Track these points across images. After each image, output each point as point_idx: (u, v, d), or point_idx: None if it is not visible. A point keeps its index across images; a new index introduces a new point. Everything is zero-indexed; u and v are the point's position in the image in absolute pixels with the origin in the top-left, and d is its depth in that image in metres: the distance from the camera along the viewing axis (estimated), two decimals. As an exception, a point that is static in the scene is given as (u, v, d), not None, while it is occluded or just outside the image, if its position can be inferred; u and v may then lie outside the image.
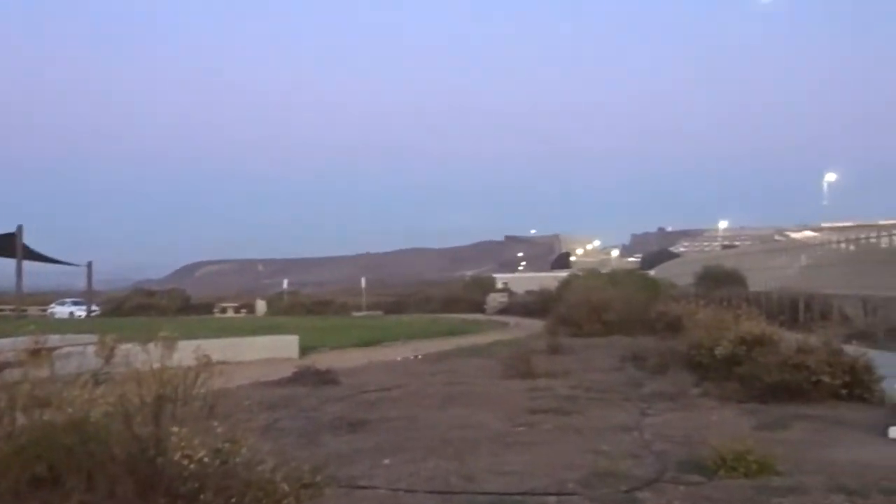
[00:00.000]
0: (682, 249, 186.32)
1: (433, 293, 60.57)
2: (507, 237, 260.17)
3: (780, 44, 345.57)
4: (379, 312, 52.36)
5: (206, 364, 6.06)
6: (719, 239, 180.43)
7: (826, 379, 11.54)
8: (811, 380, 11.58)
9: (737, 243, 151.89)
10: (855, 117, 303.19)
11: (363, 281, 59.71)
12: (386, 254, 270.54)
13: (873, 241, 66.19)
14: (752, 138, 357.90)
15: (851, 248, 69.70)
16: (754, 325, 14.77)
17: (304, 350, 21.23)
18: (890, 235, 64.38)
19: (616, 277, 32.20)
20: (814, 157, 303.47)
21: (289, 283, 69.19)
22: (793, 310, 27.61)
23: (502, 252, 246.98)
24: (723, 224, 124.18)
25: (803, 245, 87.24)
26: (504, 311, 48.08)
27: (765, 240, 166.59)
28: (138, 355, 5.94)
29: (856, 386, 11.59)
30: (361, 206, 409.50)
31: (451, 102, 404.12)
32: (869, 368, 11.71)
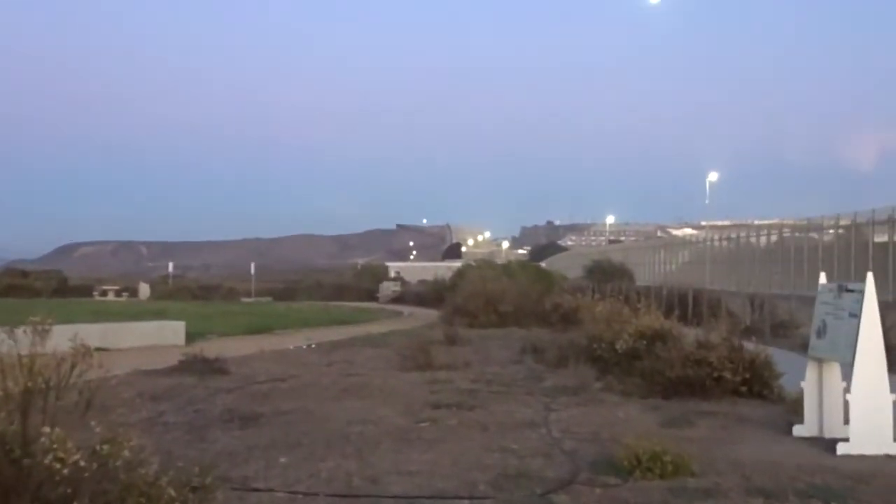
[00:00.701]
0: (569, 243, 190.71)
1: (324, 280, 59.58)
2: (399, 226, 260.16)
3: (671, 44, 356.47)
4: (268, 299, 51.09)
5: (83, 352, 5.36)
6: (605, 234, 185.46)
7: (727, 375, 11.50)
8: (713, 376, 11.51)
9: (622, 238, 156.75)
10: (738, 121, 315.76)
11: (252, 266, 58.07)
12: (274, 239, 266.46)
13: (752, 240, 68.86)
14: (638, 137, 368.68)
15: (728, 245, 72.39)
16: (653, 320, 14.78)
17: (191, 337, 20.24)
18: (768, 235, 67.04)
19: (510, 269, 32.14)
20: (696, 158, 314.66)
21: (174, 267, 66.75)
22: (682, 305, 28.08)
23: (393, 241, 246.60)
24: (610, 219, 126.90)
25: (684, 242, 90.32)
26: (397, 300, 47.64)
27: (648, 236, 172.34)
28: (4, 342, 5.19)
29: (755, 382, 11.60)
30: (249, 189, 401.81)
31: (344, 92, 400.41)
32: (769, 365, 11.74)
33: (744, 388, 11.59)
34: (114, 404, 5.95)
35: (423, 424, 9.82)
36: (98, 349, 5.31)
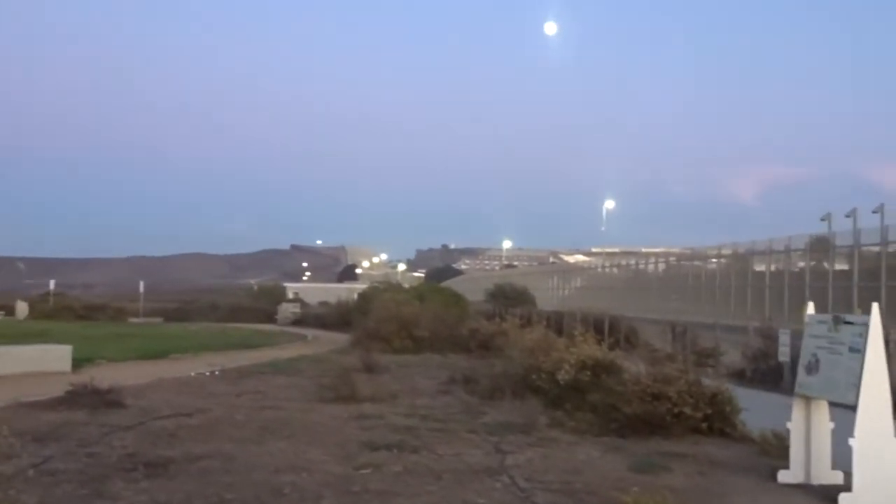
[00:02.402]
0: (463, 266, 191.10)
1: (219, 301, 56.81)
2: (293, 246, 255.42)
3: (565, 76, 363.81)
4: (159, 319, 48.29)
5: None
6: (501, 258, 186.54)
7: (687, 411, 10.55)
8: (673, 412, 10.54)
9: (515, 263, 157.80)
10: (626, 154, 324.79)
11: (141, 285, 55.02)
12: (163, 258, 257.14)
13: (644, 266, 69.88)
14: (530, 164, 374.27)
15: (623, 271, 73.28)
16: (594, 350, 13.81)
17: (78, 363, 18.17)
18: (656, 262, 68.12)
19: (422, 292, 30.90)
20: (586, 187, 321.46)
21: (55, 285, 62.65)
22: (597, 332, 27.41)
23: (286, 261, 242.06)
24: (507, 244, 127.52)
25: (581, 268, 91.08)
26: (297, 322, 45.68)
27: (541, 261, 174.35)
28: None
29: (717, 419, 10.68)
30: (136, 206, 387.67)
31: (238, 108, 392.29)
32: (730, 400, 10.86)
33: (704, 425, 10.67)
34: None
35: (364, 472, 8.43)
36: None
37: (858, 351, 7.54)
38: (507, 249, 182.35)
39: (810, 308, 8.67)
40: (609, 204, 75.68)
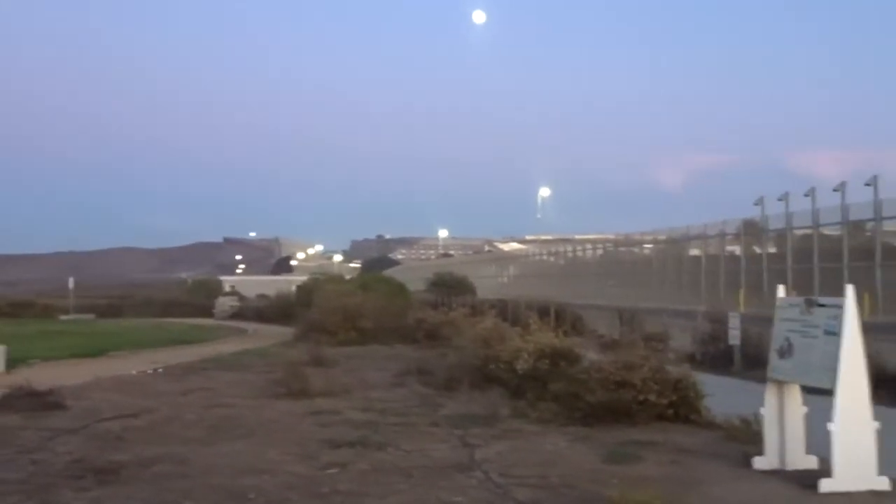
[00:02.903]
0: (399, 256, 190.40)
1: (153, 295, 55.33)
2: (226, 239, 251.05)
3: (494, 64, 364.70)
4: (90, 316, 46.69)
5: None
6: (438, 247, 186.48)
7: (652, 398, 10.39)
8: (637, 399, 10.36)
9: (451, 252, 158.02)
10: (556, 142, 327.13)
11: (71, 280, 53.20)
12: (90, 252, 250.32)
13: (580, 253, 70.49)
14: (463, 153, 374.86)
15: (560, 258, 73.86)
16: (551, 338, 13.59)
17: (10, 363, 17.29)
18: (593, 249, 68.85)
19: (365, 282, 30.43)
20: (517, 176, 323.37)
21: (-22, 282, 60.22)
22: (542, 319, 27.36)
23: (220, 254, 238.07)
24: (443, 233, 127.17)
25: (517, 256, 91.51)
26: (236, 315, 44.68)
27: (476, 250, 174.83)
28: None
29: (682, 405, 10.54)
30: (61, 200, 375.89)
31: (169, 100, 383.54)
32: (694, 386, 10.72)
33: (670, 412, 10.52)
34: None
35: (330, 472, 8.03)
36: None
37: (835, 334, 7.40)
38: (442, 238, 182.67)
39: (780, 291, 8.53)
40: (544, 191, 76.04)
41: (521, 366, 12.71)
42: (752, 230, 41.64)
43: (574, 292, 48.21)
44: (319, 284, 32.69)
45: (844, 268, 31.72)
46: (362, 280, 31.70)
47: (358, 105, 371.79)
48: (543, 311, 27.40)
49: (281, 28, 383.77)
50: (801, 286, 30.34)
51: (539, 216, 77.70)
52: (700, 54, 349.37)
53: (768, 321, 8.94)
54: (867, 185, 30.98)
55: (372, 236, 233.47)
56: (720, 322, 18.15)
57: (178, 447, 9.14)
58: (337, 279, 37.48)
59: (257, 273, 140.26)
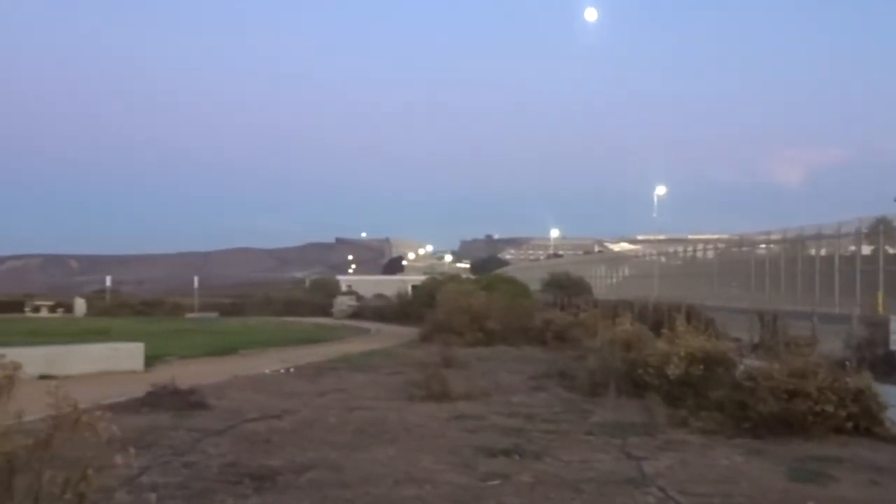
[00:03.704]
0: (508, 256, 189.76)
1: (273, 295, 56.46)
2: (338, 239, 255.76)
3: (606, 64, 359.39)
4: (214, 314, 47.95)
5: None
6: (550, 247, 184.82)
7: (830, 409, 9.50)
8: (814, 410, 9.49)
9: (560, 252, 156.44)
10: (667, 141, 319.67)
11: (196, 280, 54.84)
12: (208, 253, 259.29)
13: (698, 254, 68.23)
14: (572, 152, 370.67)
15: (676, 259, 71.71)
16: (703, 342, 12.78)
17: (148, 360, 17.53)
18: (715, 248, 66.42)
19: (488, 282, 29.98)
20: (628, 175, 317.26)
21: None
22: (672, 322, 26.30)
23: (332, 255, 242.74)
24: (554, 232, 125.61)
25: (633, 256, 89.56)
26: (355, 315, 45.02)
27: (586, 250, 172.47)
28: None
29: (862, 417, 9.60)
30: (181, 203, 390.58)
31: (277, 106, 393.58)
32: (876, 396, 9.77)
33: (849, 425, 9.60)
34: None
35: (492, 483, 7.53)
36: (43, 377, 3.15)
37: None
38: (553, 239, 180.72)
39: None
40: (660, 190, 73.47)
41: (672, 371, 11.96)
42: (889, 228, 39.18)
43: (693, 293, 46.51)
44: (437, 285, 32.42)
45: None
46: (485, 280, 31.26)
47: (468, 106, 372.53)
48: (674, 314, 26.38)
49: (387, 31, 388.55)
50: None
51: (655, 215, 75.00)
52: (812, 47, 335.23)
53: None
54: None
55: (481, 236, 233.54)
56: (876, 326, 16.86)
57: (329, 452, 8.81)
58: (456, 279, 37.19)
59: (368, 273, 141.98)
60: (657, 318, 24.71)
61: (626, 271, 79.78)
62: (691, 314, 25.57)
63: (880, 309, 31.63)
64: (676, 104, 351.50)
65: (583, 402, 12.57)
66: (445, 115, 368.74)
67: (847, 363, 10.33)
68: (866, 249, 40.55)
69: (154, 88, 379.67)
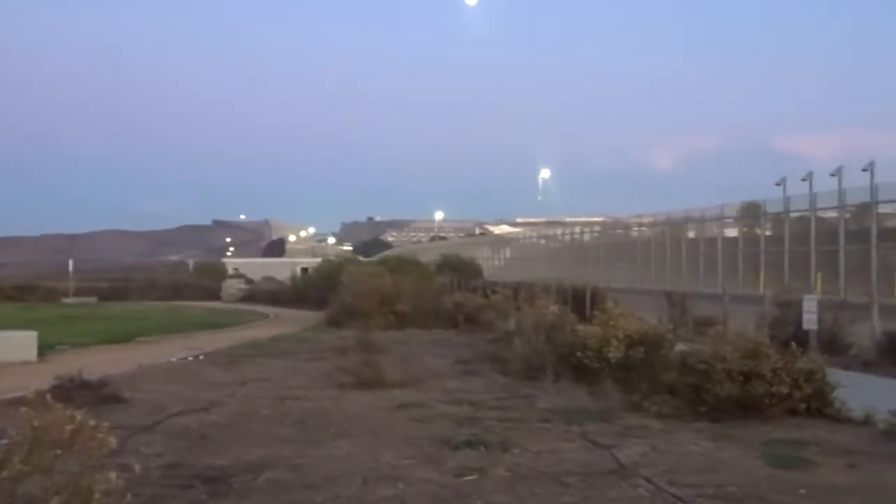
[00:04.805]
0: (390, 239, 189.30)
1: (159, 279, 54.01)
2: (216, 221, 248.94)
3: (484, 47, 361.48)
4: (93, 299, 45.47)
5: None
6: (428, 231, 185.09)
7: (784, 391, 9.41)
8: (770, 392, 9.38)
9: (443, 235, 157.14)
10: (547, 124, 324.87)
11: (70, 263, 51.77)
12: (76, 235, 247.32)
13: (577, 236, 69.50)
14: (453, 135, 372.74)
15: (543, 242, 72.91)
16: (638, 323, 12.65)
17: (40, 349, 16.13)
18: (584, 233, 67.85)
19: (394, 265, 29.35)
20: (510, 157, 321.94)
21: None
22: (577, 303, 26.38)
23: (209, 237, 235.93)
24: (439, 215, 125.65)
25: (505, 239, 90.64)
26: (247, 299, 43.54)
27: (468, 232, 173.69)
28: None
29: (815, 399, 9.56)
30: (45, 182, 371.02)
31: (155, 80, 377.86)
32: (825, 377, 9.75)
33: (801, 406, 9.54)
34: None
35: (468, 478, 7.00)
36: None
37: None
38: (432, 220, 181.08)
39: None
40: (545, 173, 74.39)
41: (613, 354, 11.73)
42: (750, 213, 40.83)
43: (581, 274, 47.24)
44: (340, 267, 31.58)
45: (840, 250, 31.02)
46: (391, 262, 30.64)
47: (348, 86, 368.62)
48: (578, 295, 26.51)
49: (264, 16, 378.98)
50: (797, 269, 29.97)
51: (540, 198, 75.87)
52: (689, 34, 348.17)
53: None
54: (864, 170, 30.15)
55: (362, 219, 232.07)
56: (789, 306, 17.23)
57: (278, 448, 8.08)
58: (355, 261, 36.42)
59: (248, 256, 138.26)
60: (566, 300, 24.70)
61: (509, 253, 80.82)
62: (596, 296, 25.75)
63: (761, 288, 32.91)
64: (558, 87, 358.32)
65: (522, 386, 12.20)
66: (325, 96, 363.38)
67: (793, 344, 10.21)
68: (733, 232, 42.20)
69: (23, 63, 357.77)
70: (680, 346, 12.14)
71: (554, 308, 15.83)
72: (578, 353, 12.19)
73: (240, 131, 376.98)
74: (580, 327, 14.27)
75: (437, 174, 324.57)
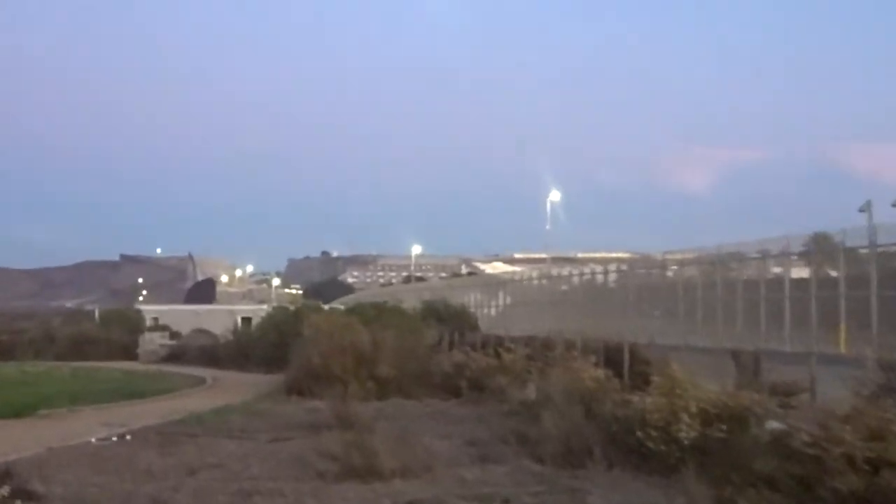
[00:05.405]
0: (351, 280, 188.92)
1: (57, 330, 53.24)
2: (123, 257, 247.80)
3: (459, 69, 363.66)
4: (-31, 356, 44.80)
5: None
6: (401, 269, 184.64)
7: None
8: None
9: (419, 274, 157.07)
10: (544, 142, 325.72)
11: (-60, 311, 51.03)
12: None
13: (598, 277, 69.35)
14: (431, 153, 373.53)
15: (544, 283, 72.91)
16: (713, 393, 12.43)
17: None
18: (607, 272, 67.76)
19: (369, 314, 29.05)
20: (504, 180, 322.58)
21: None
22: (612, 363, 26.12)
23: (116, 277, 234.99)
24: (416, 250, 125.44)
25: (501, 280, 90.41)
26: (172, 358, 43.00)
27: (452, 271, 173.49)
28: None
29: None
30: None
31: (48, 93, 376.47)
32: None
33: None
34: None
35: None
36: None
37: None
38: (406, 257, 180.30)
39: None
40: (554, 195, 73.69)
41: (685, 433, 11.46)
42: (822, 248, 40.59)
43: (604, 326, 47.04)
44: (298, 316, 31.27)
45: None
46: (364, 311, 30.33)
47: (293, 106, 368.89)
48: (611, 354, 26.26)
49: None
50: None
51: (548, 227, 75.02)
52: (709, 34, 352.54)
53: None
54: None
55: (315, 254, 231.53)
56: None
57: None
58: (317, 308, 36.16)
59: (168, 300, 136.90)
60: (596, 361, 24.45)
61: (507, 299, 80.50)
62: (634, 355, 25.56)
63: (841, 344, 32.76)
64: (558, 91, 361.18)
65: (562, 476, 11.87)
66: (271, 108, 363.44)
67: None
68: (800, 271, 42.01)
69: None
70: (770, 423, 11.89)
71: (594, 371, 15.59)
72: (638, 433, 11.90)
73: (154, 141, 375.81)
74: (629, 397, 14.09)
75: (411, 199, 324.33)
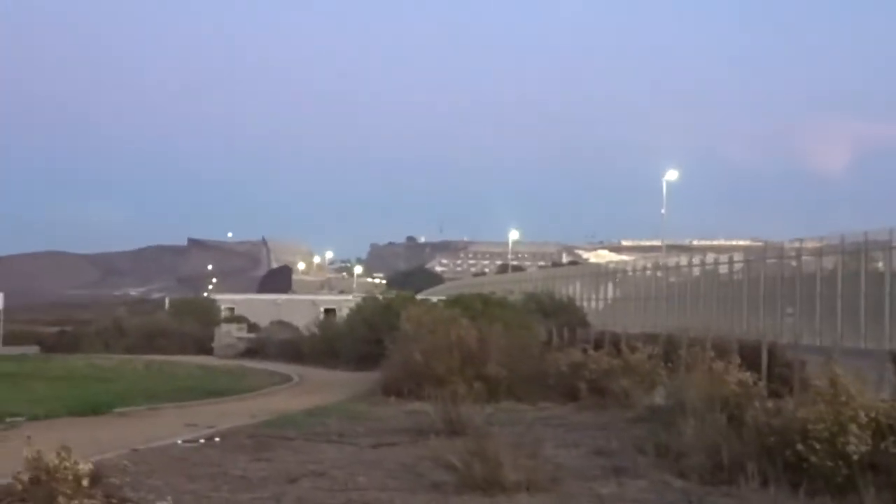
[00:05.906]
0: (439, 268, 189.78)
1: (128, 322, 54.21)
2: (191, 241, 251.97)
3: (576, 33, 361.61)
4: (34, 348, 46.04)
5: None
6: (493, 257, 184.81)
7: None
8: None
9: (514, 263, 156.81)
10: (651, 118, 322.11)
11: (1, 298, 52.38)
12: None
13: (721, 268, 68.30)
14: (526, 134, 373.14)
15: (658, 274, 71.94)
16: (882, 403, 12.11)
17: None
18: (733, 262, 66.64)
19: (476, 307, 29.06)
20: (608, 161, 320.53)
21: None
22: (750, 365, 25.70)
23: (183, 263, 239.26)
24: (513, 236, 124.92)
25: (612, 270, 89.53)
26: (251, 353, 43.63)
27: (551, 259, 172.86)
28: None
29: None
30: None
31: (107, 73, 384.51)
32: None
33: None
34: None
35: None
36: None
37: None
38: (494, 243, 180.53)
39: None
40: (671, 175, 72.33)
41: (855, 448, 11.14)
42: None
43: (724, 323, 46.36)
44: (391, 308, 31.45)
45: None
46: (469, 303, 30.27)
47: (378, 80, 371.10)
48: (748, 355, 25.80)
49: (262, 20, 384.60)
50: None
51: (664, 211, 73.84)
52: None
53: None
54: None
55: (400, 240, 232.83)
56: None
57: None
58: (412, 300, 36.33)
59: (238, 288, 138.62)
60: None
61: (616, 291, 79.75)
62: (773, 356, 25.09)
63: None
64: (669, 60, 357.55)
65: (711, 494, 11.66)
66: (352, 88, 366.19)
67: None
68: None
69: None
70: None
71: (739, 374, 15.35)
72: (799, 446, 11.61)
73: (225, 118, 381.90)
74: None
75: (504, 181, 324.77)
